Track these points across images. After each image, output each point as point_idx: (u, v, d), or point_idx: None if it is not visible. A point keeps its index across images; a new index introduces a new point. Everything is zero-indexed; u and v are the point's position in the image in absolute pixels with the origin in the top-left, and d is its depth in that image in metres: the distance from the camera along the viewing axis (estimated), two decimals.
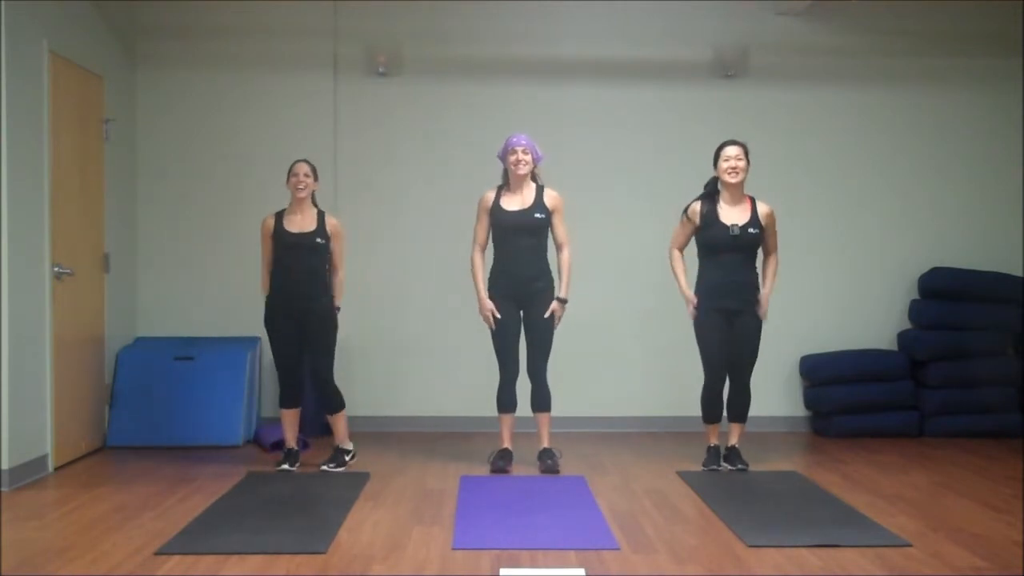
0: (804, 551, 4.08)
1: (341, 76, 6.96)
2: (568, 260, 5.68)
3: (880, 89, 7.11)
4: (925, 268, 7.08)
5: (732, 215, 5.54)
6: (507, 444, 5.74)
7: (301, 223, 5.56)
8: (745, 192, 5.60)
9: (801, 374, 7.06)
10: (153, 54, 6.88)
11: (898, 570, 3.86)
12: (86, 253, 6.05)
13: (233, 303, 6.81)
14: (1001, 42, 7.09)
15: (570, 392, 6.68)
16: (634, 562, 3.97)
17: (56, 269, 5.61)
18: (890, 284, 7.13)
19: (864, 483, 5.38)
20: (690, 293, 5.61)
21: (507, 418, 5.74)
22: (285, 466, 5.59)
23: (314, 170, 5.62)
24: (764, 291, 5.61)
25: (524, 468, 5.69)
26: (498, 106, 6.92)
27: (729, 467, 5.65)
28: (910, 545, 4.18)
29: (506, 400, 5.72)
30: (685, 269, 5.69)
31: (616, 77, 7.03)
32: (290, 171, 5.57)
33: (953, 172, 7.17)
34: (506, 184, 5.68)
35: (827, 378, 6.87)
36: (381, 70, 6.91)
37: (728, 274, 5.52)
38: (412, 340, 6.99)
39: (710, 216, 5.54)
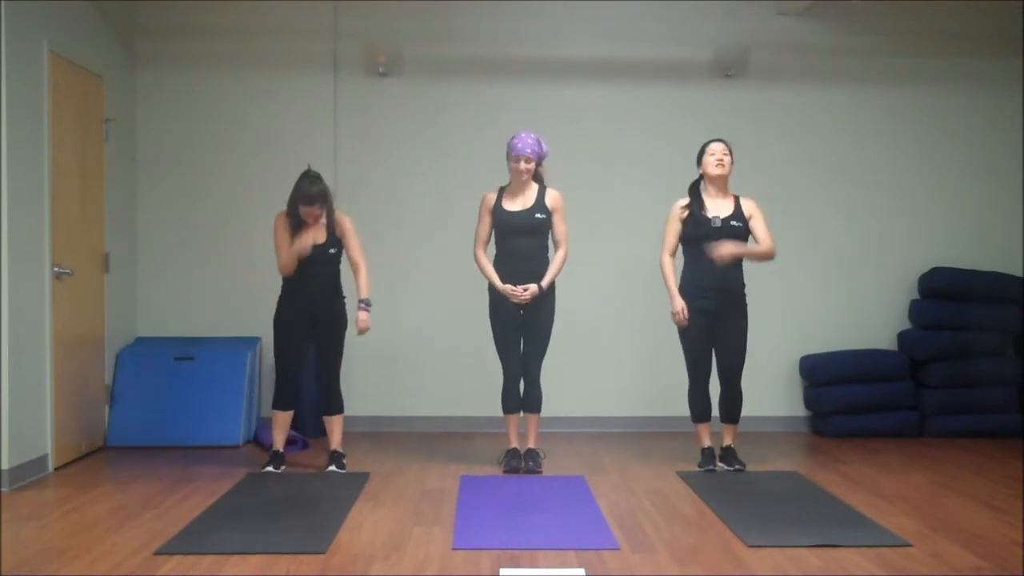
0: (804, 551, 4.08)
1: (341, 76, 6.96)
2: (561, 258, 5.64)
3: (880, 89, 7.11)
4: (925, 268, 7.08)
5: (715, 208, 5.53)
6: (516, 444, 5.73)
7: (315, 235, 5.48)
8: (731, 191, 5.61)
9: (801, 374, 7.05)
10: (153, 54, 6.88)
11: (898, 570, 3.86)
12: (86, 253, 6.05)
13: (233, 303, 6.82)
14: (1001, 42, 7.09)
15: (570, 392, 6.69)
16: (634, 562, 3.97)
17: (56, 269, 5.60)
18: (890, 284, 7.13)
19: (864, 483, 5.38)
20: (679, 301, 5.53)
21: (513, 418, 5.73)
22: (270, 468, 5.53)
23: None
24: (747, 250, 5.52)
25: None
26: (498, 106, 6.92)
27: (726, 467, 5.65)
28: (910, 545, 4.18)
29: (511, 401, 5.71)
30: (675, 274, 5.62)
31: (616, 77, 7.03)
32: (300, 201, 5.40)
33: (953, 172, 7.17)
34: (509, 184, 5.68)
35: (827, 378, 6.87)
36: (381, 70, 6.91)
37: (712, 270, 5.44)
38: (412, 340, 6.99)
39: (694, 210, 5.53)
